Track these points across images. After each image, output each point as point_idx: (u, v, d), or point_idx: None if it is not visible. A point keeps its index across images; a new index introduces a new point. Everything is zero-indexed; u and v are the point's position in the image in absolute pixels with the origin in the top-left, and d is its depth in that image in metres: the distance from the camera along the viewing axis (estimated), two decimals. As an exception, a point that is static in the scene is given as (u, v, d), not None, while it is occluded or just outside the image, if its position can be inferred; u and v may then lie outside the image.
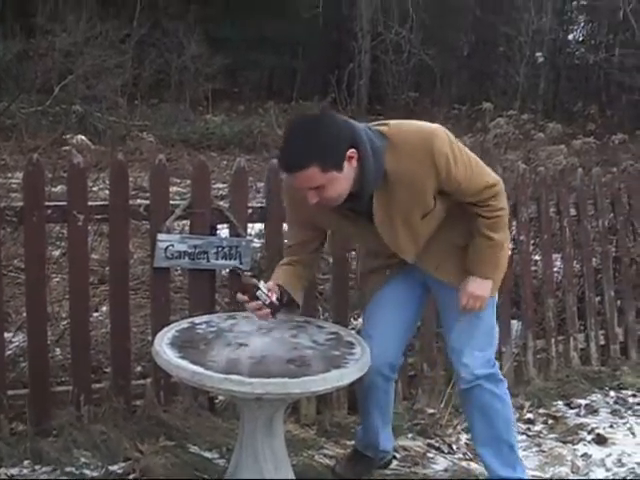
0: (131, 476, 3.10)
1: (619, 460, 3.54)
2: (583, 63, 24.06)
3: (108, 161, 6.83)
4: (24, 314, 3.60)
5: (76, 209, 3.31)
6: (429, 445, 3.56)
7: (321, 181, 2.49)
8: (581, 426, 3.86)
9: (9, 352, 3.67)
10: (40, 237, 3.33)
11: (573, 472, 3.41)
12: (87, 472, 3.14)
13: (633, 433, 3.85)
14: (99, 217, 3.43)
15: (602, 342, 4.69)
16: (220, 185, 8.20)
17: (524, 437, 3.70)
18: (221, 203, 3.60)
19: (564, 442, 3.69)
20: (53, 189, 4.68)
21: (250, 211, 3.63)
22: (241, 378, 2.39)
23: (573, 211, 4.62)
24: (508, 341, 4.19)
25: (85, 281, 3.46)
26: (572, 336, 4.53)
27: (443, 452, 3.52)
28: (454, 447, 3.55)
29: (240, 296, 2.71)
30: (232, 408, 3.48)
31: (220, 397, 3.55)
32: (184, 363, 2.48)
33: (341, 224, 2.79)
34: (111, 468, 3.15)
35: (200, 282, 3.56)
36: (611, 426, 3.91)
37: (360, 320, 4.05)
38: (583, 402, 4.15)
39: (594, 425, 3.88)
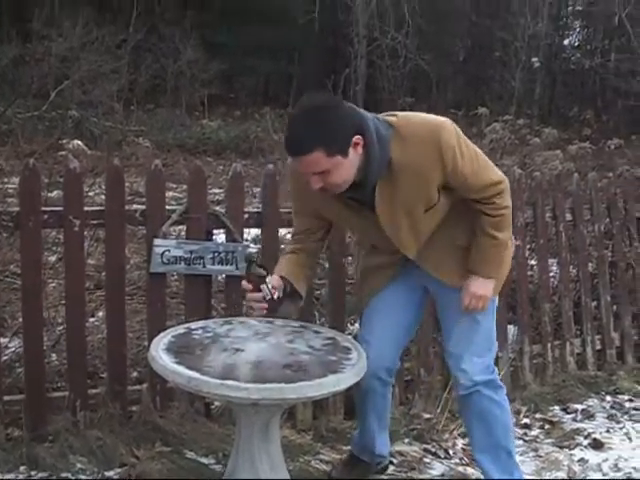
0: (127, 482, 3.10)
1: (616, 465, 3.54)
2: (579, 68, 24.16)
3: (104, 166, 6.84)
4: (20, 319, 3.60)
5: (72, 214, 3.31)
6: (426, 450, 3.56)
7: (326, 166, 2.47)
8: (578, 431, 3.86)
9: (5, 357, 3.66)
10: (36, 242, 3.33)
11: (570, 477, 3.41)
12: (83, 478, 3.13)
13: (629, 438, 3.85)
14: (95, 222, 3.43)
15: (598, 347, 4.70)
16: (216, 190, 8.22)
17: (521, 442, 3.70)
18: (217, 208, 3.59)
19: (561, 447, 3.69)
20: (49, 194, 4.70)
21: (246, 216, 3.62)
22: (237, 383, 2.38)
23: (569, 216, 4.62)
24: (504, 346, 4.19)
25: (81, 286, 3.45)
26: (568, 341, 4.54)
27: (440, 457, 3.52)
28: (451, 452, 3.55)
29: (245, 284, 2.69)
30: (228, 414, 3.47)
31: (216, 403, 3.54)
32: (180, 368, 2.48)
33: (344, 214, 2.76)
34: (107, 474, 3.15)
35: (196, 287, 3.56)
36: (607, 431, 3.91)
37: (356, 325, 4.05)
38: (579, 407, 4.15)
39: (591, 430, 3.88)
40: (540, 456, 3.59)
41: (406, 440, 3.62)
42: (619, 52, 21.68)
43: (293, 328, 2.91)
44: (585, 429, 3.88)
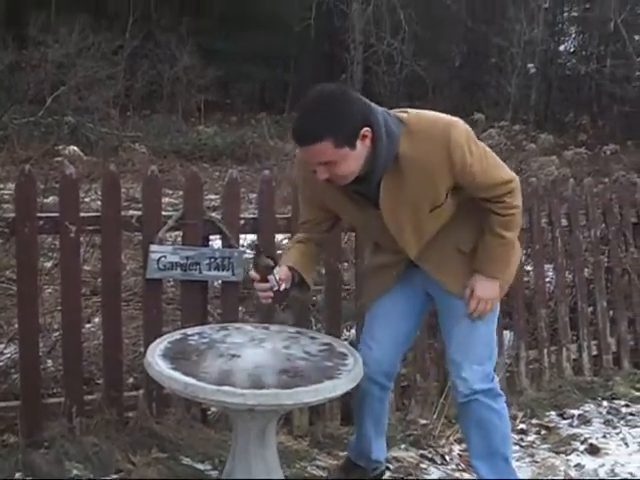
0: (123, 488, 3.10)
1: (612, 470, 3.53)
2: (574, 74, 24.23)
3: (100, 172, 6.84)
4: (16, 325, 3.59)
5: (68, 220, 3.30)
6: (422, 456, 3.56)
7: (333, 156, 2.45)
8: (574, 436, 3.85)
9: (0, 364, 3.66)
10: (32, 248, 3.32)
11: (566, 483, 3.41)
12: (79, 484, 3.13)
13: (626, 443, 3.85)
14: (91, 228, 3.42)
15: (595, 352, 4.70)
16: (212, 196, 8.21)
17: (517, 447, 3.69)
18: (213, 214, 3.59)
19: (557, 452, 3.69)
20: (45, 200, 4.68)
21: (242, 222, 3.62)
22: (233, 389, 2.38)
23: (565, 221, 4.62)
24: (501, 352, 4.18)
25: (77, 292, 3.44)
26: (564, 346, 4.54)
27: (436, 463, 3.52)
28: (447, 458, 3.55)
29: (253, 274, 2.67)
30: (224, 419, 3.47)
31: (212, 408, 3.54)
32: (176, 374, 2.48)
33: (348, 207, 2.74)
34: (103, 480, 3.14)
35: (192, 293, 3.55)
36: (604, 436, 3.91)
37: (353, 331, 4.05)
38: (576, 412, 4.15)
39: (587, 435, 3.88)
40: (536, 462, 3.58)
41: (402, 446, 3.62)
42: (615, 58, 21.77)
43: (289, 334, 2.91)
44: (581, 434, 3.88)
